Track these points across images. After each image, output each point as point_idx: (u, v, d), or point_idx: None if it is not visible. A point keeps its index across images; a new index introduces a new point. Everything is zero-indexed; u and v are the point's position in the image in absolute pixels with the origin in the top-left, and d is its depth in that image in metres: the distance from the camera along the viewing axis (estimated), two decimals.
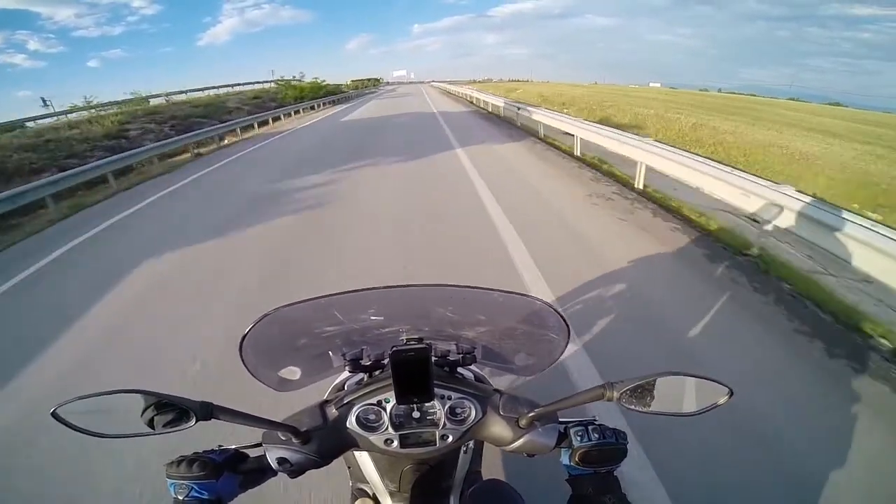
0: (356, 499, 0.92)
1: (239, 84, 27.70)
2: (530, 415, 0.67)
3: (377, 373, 0.77)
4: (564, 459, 0.69)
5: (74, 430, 0.52)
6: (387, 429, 0.69)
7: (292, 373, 0.82)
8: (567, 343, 0.77)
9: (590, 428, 0.68)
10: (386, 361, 0.71)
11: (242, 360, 0.70)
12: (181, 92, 22.93)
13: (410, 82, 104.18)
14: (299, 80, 31.53)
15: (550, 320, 0.75)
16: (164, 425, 0.56)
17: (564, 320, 0.72)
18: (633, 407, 0.60)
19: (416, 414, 0.70)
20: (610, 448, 0.67)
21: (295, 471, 0.66)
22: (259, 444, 0.67)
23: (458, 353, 0.78)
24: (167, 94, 21.80)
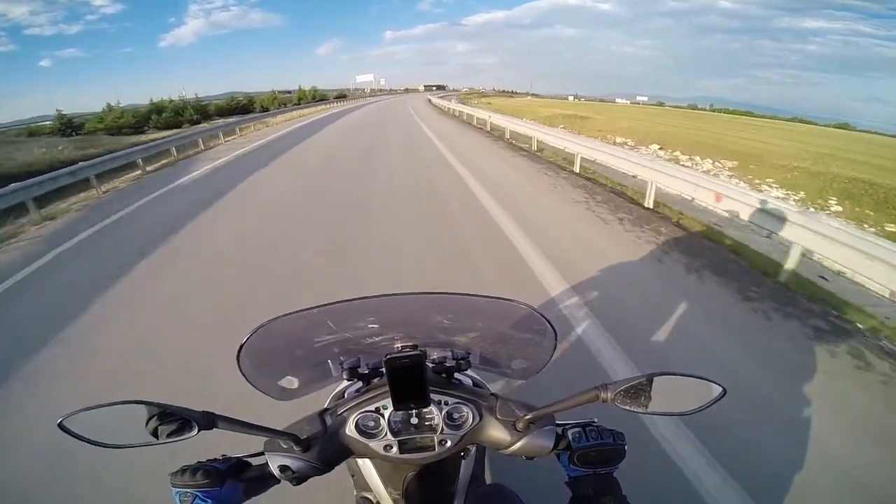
0: None
1: None
2: (527, 418, 0.68)
3: (375, 380, 0.79)
4: (563, 461, 0.70)
5: (80, 440, 0.53)
6: (385, 435, 0.70)
7: (292, 382, 0.83)
8: (554, 347, 0.78)
9: (587, 429, 0.70)
10: (383, 369, 0.73)
11: (240, 370, 0.72)
12: None
13: (379, 91, 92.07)
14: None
15: (537, 324, 0.77)
16: (168, 435, 0.57)
17: (550, 324, 0.74)
18: (627, 407, 0.61)
19: (414, 420, 0.71)
20: (608, 449, 0.67)
21: (297, 478, 0.67)
22: (261, 453, 0.68)
23: (453, 359, 0.79)
24: None
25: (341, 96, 64.26)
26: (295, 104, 35.28)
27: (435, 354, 0.80)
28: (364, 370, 0.78)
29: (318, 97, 54.31)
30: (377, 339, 0.83)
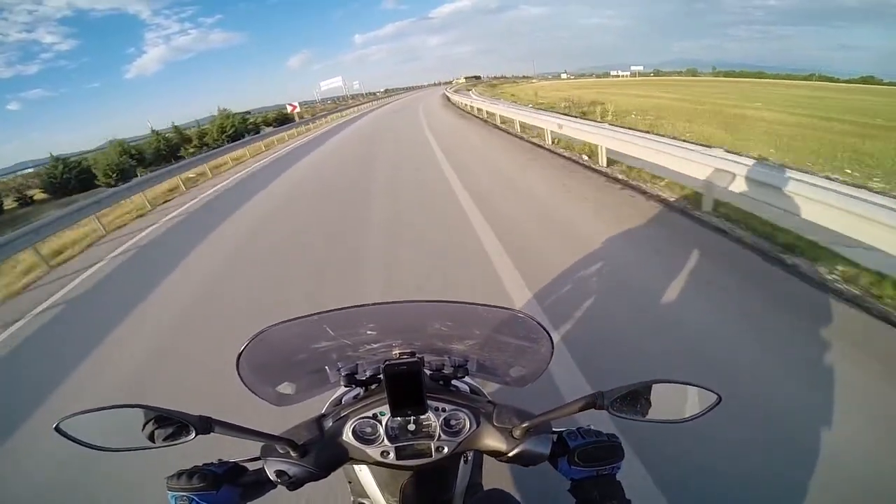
0: None
1: None
2: (524, 425, 0.68)
3: (372, 387, 0.79)
4: (563, 466, 0.69)
5: (77, 443, 0.54)
6: (383, 441, 0.70)
7: (290, 387, 0.84)
8: (551, 355, 0.78)
9: (582, 431, 0.70)
10: (381, 376, 0.72)
11: (240, 377, 0.72)
12: None
13: (351, 100, 68.48)
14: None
15: (534, 332, 0.76)
16: (164, 439, 0.58)
17: (547, 332, 0.74)
18: (623, 415, 0.62)
19: (411, 426, 0.71)
20: (605, 445, 0.68)
21: (293, 483, 0.67)
22: (258, 458, 0.69)
23: (451, 366, 0.79)
24: None
25: (284, 120, 35.82)
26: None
27: (433, 361, 0.80)
28: (362, 376, 0.78)
29: (237, 129, 31.70)
30: (375, 345, 0.83)
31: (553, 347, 0.77)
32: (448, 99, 30.02)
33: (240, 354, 0.70)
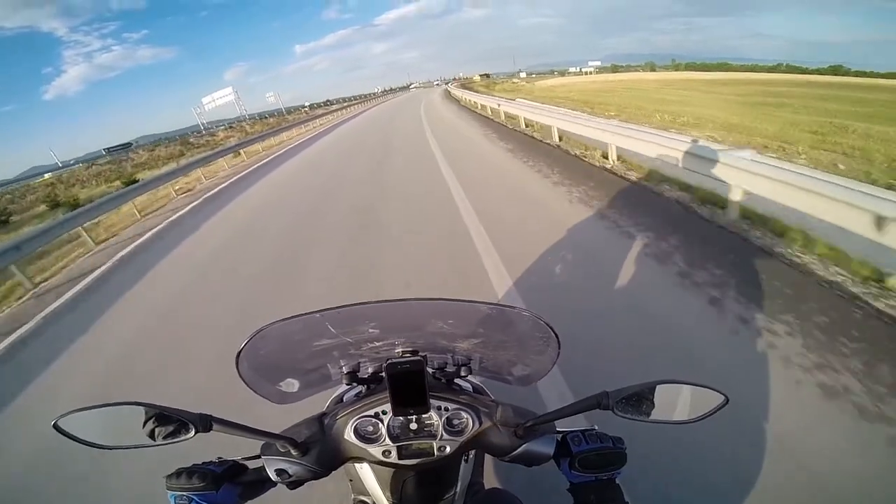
0: None
1: None
2: (527, 424, 0.67)
3: (374, 385, 0.78)
4: (564, 468, 0.69)
5: (75, 441, 0.53)
6: (384, 440, 0.69)
7: (291, 385, 0.83)
8: (558, 354, 0.76)
9: (587, 434, 0.69)
10: (383, 374, 0.72)
11: (239, 374, 0.71)
12: None
13: (269, 116, 50.61)
14: None
15: (540, 331, 0.75)
16: (164, 437, 0.57)
17: (553, 331, 0.73)
18: (628, 416, 0.61)
19: (413, 425, 0.70)
20: (609, 452, 0.67)
21: (294, 482, 0.67)
22: (258, 456, 0.68)
23: (455, 365, 0.78)
24: None
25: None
26: None
27: (435, 359, 0.79)
28: (364, 375, 0.78)
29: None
30: (377, 343, 0.82)
31: (560, 347, 0.75)
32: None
33: (239, 352, 0.69)
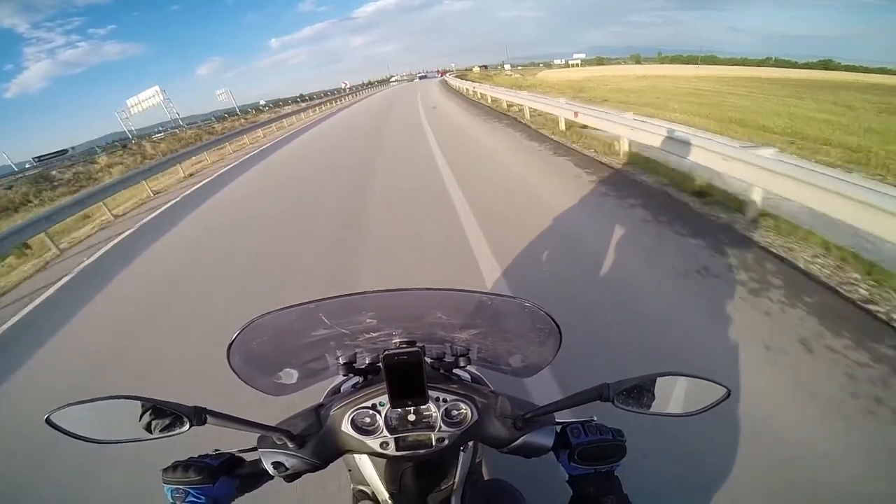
0: (357, 501, 0.92)
1: None
2: (527, 416, 0.67)
3: (371, 376, 0.77)
4: (563, 459, 0.69)
5: (69, 436, 0.53)
6: (382, 432, 0.69)
7: (288, 376, 0.82)
8: (559, 345, 0.75)
9: (586, 426, 0.69)
10: (380, 365, 0.71)
11: (231, 366, 0.70)
12: None
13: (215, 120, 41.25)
14: None
15: (541, 322, 0.74)
16: (159, 431, 0.56)
17: (555, 322, 0.72)
18: (629, 408, 0.61)
19: (411, 417, 0.69)
20: (608, 444, 0.67)
21: (290, 475, 0.66)
22: (255, 449, 0.68)
23: (452, 356, 0.78)
24: None
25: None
26: None
27: (433, 350, 0.78)
28: (361, 365, 0.77)
29: None
30: (375, 334, 0.81)
31: (561, 338, 0.74)
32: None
33: (230, 344, 0.68)
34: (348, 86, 72.05)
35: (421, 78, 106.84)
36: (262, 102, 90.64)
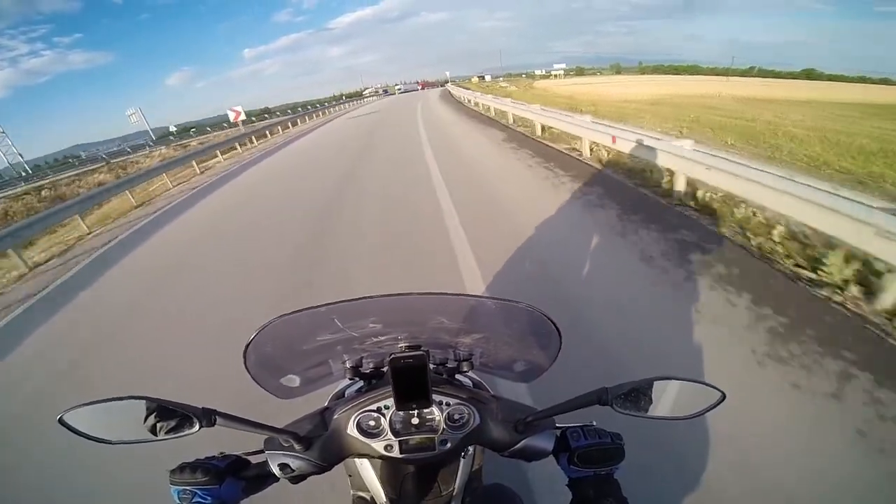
0: None
1: None
2: (527, 420, 0.68)
3: (376, 380, 0.79)
4: (563, 463, 0.70)
5: (81, 436, 0.53)
6: (387, 435, 0.70)
7: (294, 380, 0.83)
8: (559, 350, 0.77)
9: (586, 430, 0.71)
10: (385, 369, 0.72)
11: (247, 369, 0.71)
12: None
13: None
14: None
15: (542, 327, 0.75)
16: (168, 431, 0.57)
17: (555, 326, 0.73)
18: (627, 411, 0.62)
19: (415, 420, 0.70)
20: (607, 448, 0.68)
21: (296, 476, 0.67)
22: (261, 451, 0.68)
23: (456, 360, 0.79)
24: None
25: None
26: None
27: (437, 355, 0.80)
28: (366, 370, 0.78)
29: None
30: (380, 338, 0.82)
31: (561, 343, 0.75)
32: None
33: (247, 346, 0.69)
34: (240, 117, 23.94)
35: (400, 90, 80.00)
36: (173, 127, 68.58)
